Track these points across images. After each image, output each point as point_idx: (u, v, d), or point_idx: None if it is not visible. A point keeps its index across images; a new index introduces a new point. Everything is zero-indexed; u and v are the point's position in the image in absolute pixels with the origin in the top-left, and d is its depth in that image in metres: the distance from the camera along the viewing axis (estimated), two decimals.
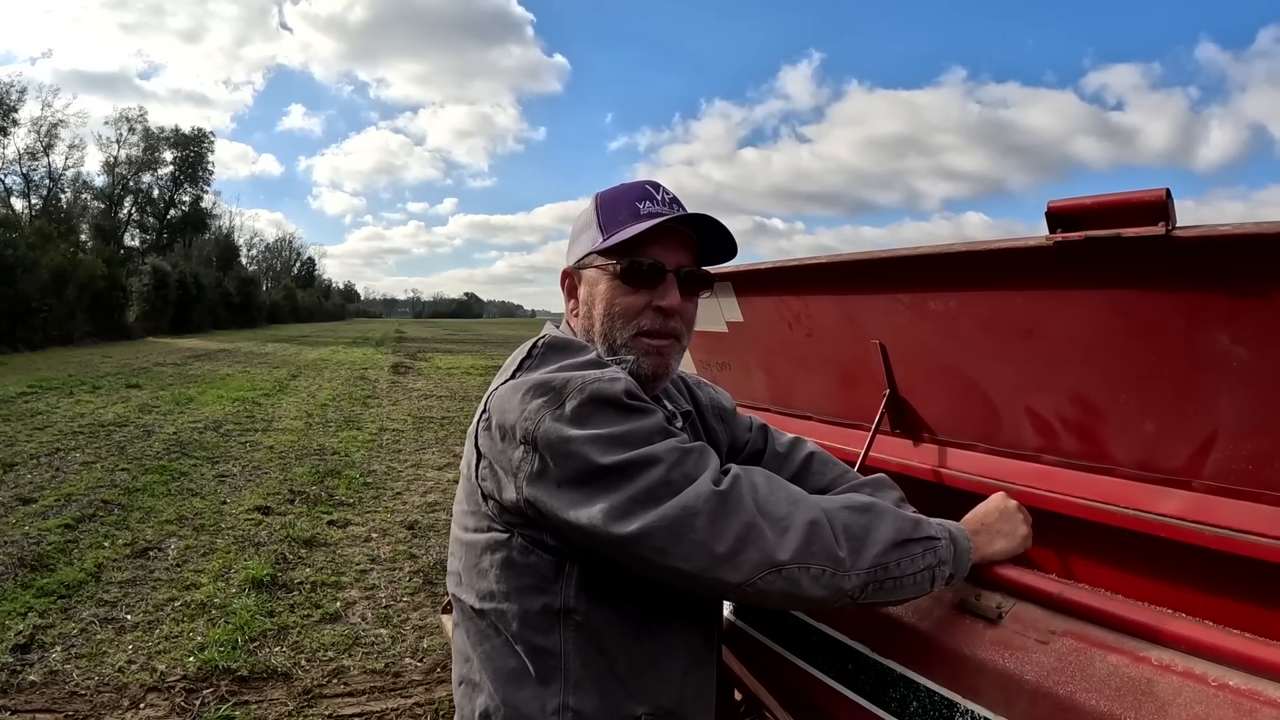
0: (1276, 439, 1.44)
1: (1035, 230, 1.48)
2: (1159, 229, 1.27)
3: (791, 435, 1.79)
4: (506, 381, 1.29)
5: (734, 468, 1.20)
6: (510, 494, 1.21)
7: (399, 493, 7.52)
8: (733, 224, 1.42)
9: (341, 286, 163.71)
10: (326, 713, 3.52)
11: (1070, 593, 1.30)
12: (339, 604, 4.75)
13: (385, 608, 4.72)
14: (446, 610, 3.79)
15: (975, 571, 1.38)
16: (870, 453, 2.07)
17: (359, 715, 3.53)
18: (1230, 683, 1.07)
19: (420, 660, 4.08)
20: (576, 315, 1.44)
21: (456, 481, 5.36)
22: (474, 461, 1.31)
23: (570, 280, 1.45)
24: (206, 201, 66.43)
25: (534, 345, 1.36)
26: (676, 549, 1.10)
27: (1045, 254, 1.48)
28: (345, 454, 9.24)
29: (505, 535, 1.26)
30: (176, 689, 3.63)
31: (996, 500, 1.51)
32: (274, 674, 3.84)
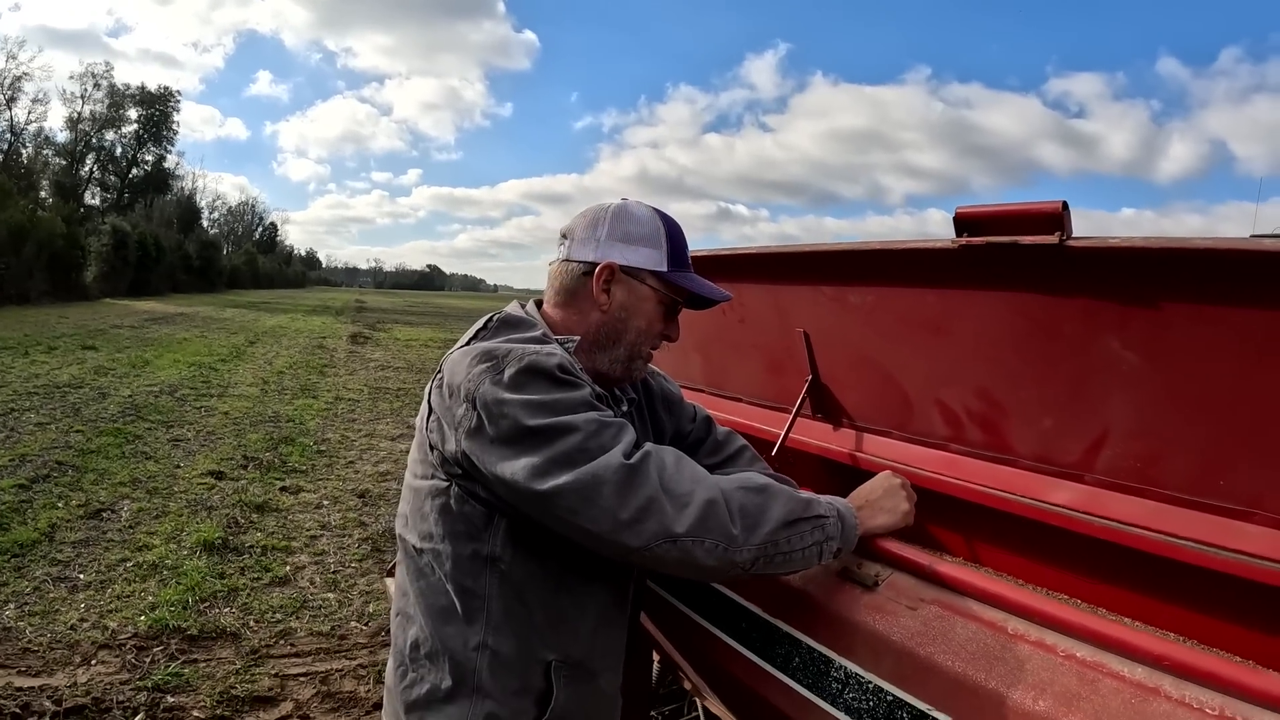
0: (1162, 440, 1.51)
1: None
2: (1054, 238, 1.33)
3: (728, 429, 1.88)
4: (462, 346, 1.40)
5: (648, 445, 1.27)
6: (451, 446, 1.30)
7: (351, 461, 7.48)
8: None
9: (303, 253, 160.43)
10: (273, 672, 3.54)
11: (940, 565, 1.37)
12: (288, 568, 4.75)
13: (333, 573, 4.73)
14: (390, 574, 3.82)
15: (859, 543, 1.44)
16: (791, 434, 2.12)
17: (305, 675, 3.55)
18: (1077, 654, 1.13)
19: (366, 624, 4.10)
20: (600, 309, 1.48)
21: (409, 452, 5.40)
22: (426, 415, 1.40)
23: (612, 276, 1.47)
24: (170, 162, 64.71)
25: (489, 319, 1.47)
26: (585, 511, 1.18)
27: (952, 256, 1.53)
28: (300, 422, 9.17)
29: (445, 484, 1.35)
30: (127, 646, 3.62)
31: (882, 478, 1.58)
32: (223, 634, 3.84)
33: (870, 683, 1.26)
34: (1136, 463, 1.56)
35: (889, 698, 1.23)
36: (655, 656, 2.09)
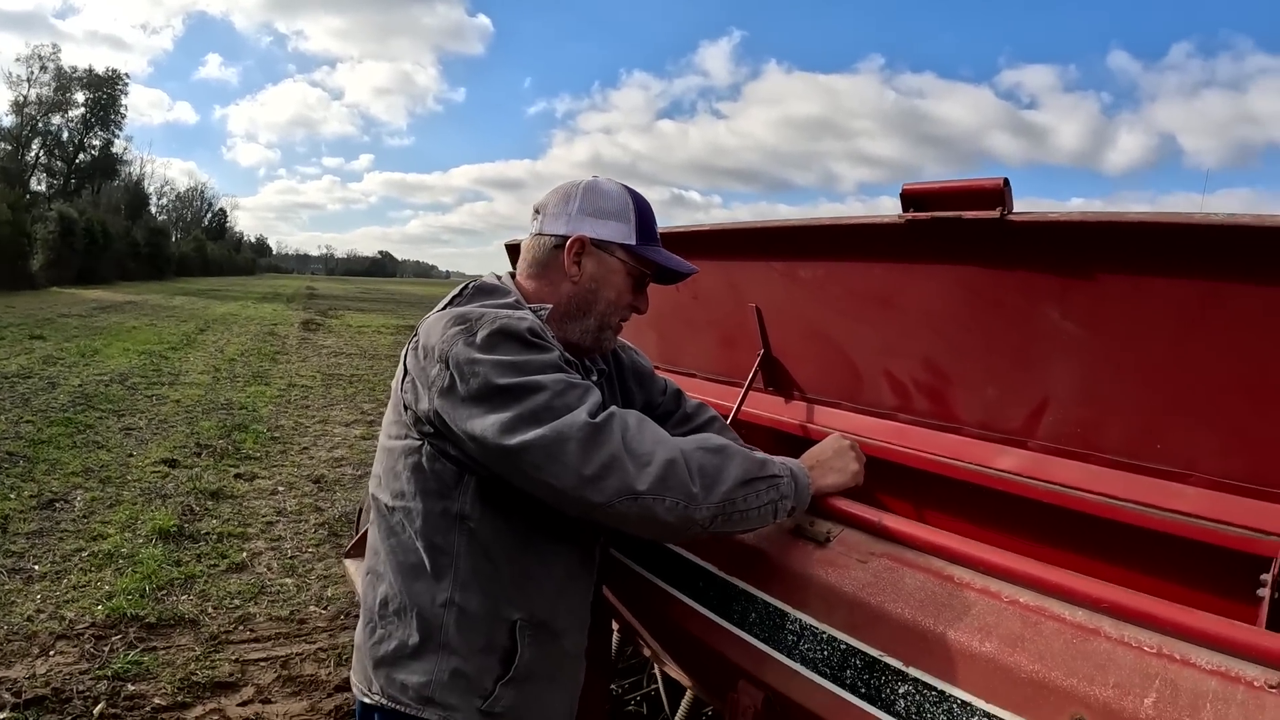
0: (1102, 406, 1.57)
1: None
2: (995, 213, 1.37)
3: (697, 400, 1.90)
4: (438, 310, 1.43)
5: (612, 407, 1.29)
6: (425, 404, 1.33)
7: (306, 448, 7.40)
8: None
9: (253, 240, 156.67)
10: (233, 658, 3.50)
11: (888, 521, 1.39)
12: (245, 554, 4.69)
13: (291, 558, 4.69)
14: (349, 555, 3.79)
15: (810, 502, 1.46)
16: (744, 408, 2.15)
17: (265, 660, 3.53)
18: (1020, 599, 1.17)
19: (325, 608, 4.08)
20: (570, 280, 1.51)
21: (364, 438, 5.35)
22: (401, 377, 1.42)
23: (582, 249, 1.50)
24: (117, 147, 62.19)
25: (465, 286, 1.51)
26: (550, 467, 1.20)
27: (899, 231, 1.58)
28: (252, 409, 9.03)
29: (418, 443, 1.38)
30: (85, 636, 3.56)
31: (832, 440, 1.60)
32: (181, 621, 3.79)
33: (824, 633, 1.30)
34: (1077, 428, 1.62)
35: (842, 646, 1.26)
36: (615, 625, 2.11)
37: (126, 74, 62.47)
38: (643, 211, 1.54)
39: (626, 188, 1.55)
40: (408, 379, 1.38)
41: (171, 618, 3.81)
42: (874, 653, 1.21)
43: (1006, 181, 1.36)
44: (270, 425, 8.23)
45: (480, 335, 1.29)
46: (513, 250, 3.21)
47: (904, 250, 1.66)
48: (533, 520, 1.38)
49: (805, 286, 1.96)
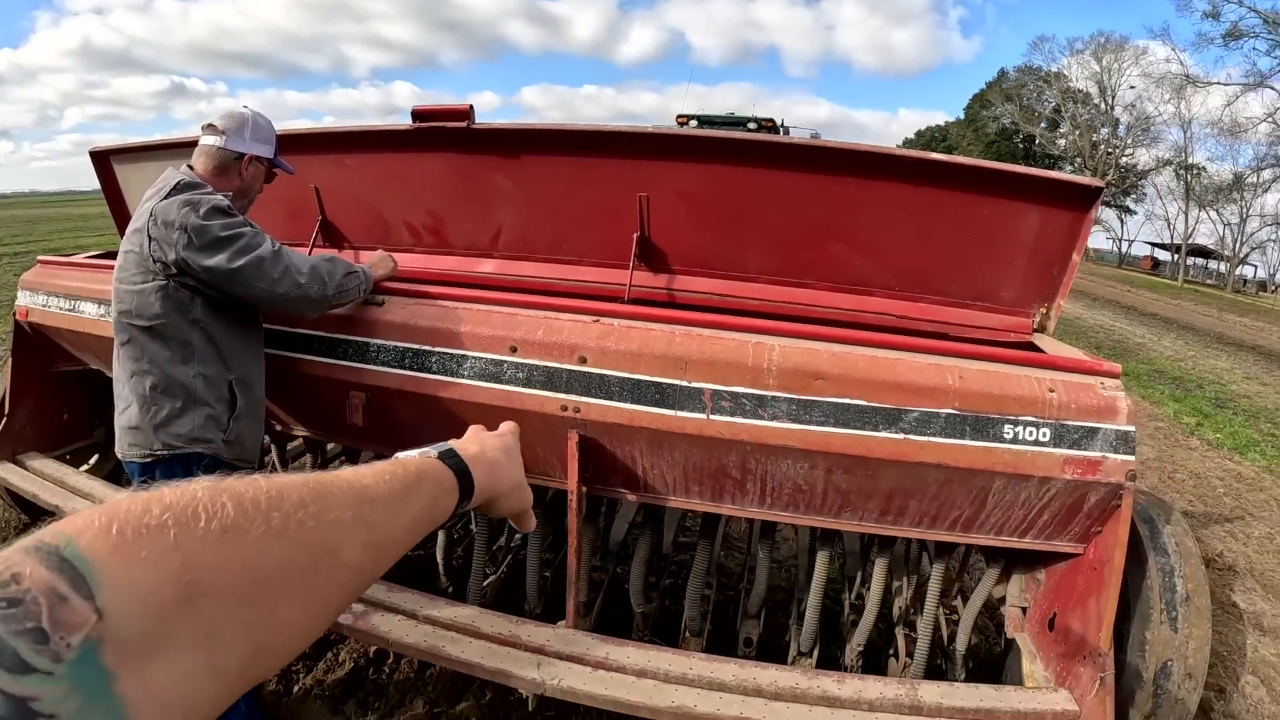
0: (533, 229, 2.74)
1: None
2: (465, 124, 2.48)
3: None
4: (164, 200, 2.11)
5: (278, 243, 2.15)
6: (172, 255, 2.06)
7: None
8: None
9: None
10: None
11: (412, 288, 2.39)
12: None
13: None
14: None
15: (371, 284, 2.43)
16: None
17: None
18: (478, 309, 2.24)
19: None
20: (240, 179, 2.32)
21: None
22: (145, 243, 2.10)
23: (250, 161, 2.32)
24: None
25: (178, 182, 2.17)
26: (255, 275, 2.05)
27: (411, 134, 2.62)
28: None
29: (164, 282, 2.10)
30: None
31: (378, 253, 2.56)
32: None
33: (391, 345, 2.28)
34: (519, 240, 2.82)
35: (401, 348, 2.26)
36: None
37: None
38: (275, 135, 2.41)
39: (269, 119, 2.36)
40: (153, 243, 2.08)
41: None
42: (417, 346, 2.24)
43: (471, 107, 2.44)
44: None
45: (202, 210, 2.05)
46: (97, 157, 3.64)
47: (413, 145, 2.70)
48: (237, 317, 2.18)
49: (350, 170, 2.90)
